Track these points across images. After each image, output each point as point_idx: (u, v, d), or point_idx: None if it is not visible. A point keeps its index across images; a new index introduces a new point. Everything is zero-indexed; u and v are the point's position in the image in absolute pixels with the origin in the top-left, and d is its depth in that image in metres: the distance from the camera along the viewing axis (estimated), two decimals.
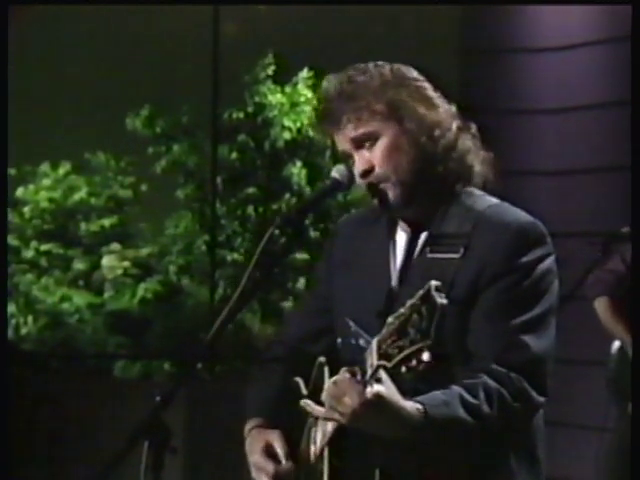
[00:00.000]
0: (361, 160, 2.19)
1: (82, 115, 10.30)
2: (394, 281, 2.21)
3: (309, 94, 10.42)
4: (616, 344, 4.39)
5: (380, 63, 2.23)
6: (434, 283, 1.87)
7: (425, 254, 2.19)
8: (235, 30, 8.86)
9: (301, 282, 10.31)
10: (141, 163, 10.94)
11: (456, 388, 2.04)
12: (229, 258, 10.26)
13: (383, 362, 1.89)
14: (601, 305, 4.33)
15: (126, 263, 10.99)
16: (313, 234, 10.40)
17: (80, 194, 11.48)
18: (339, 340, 2.07)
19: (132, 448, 2.01)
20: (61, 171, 11.48)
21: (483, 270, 2.11)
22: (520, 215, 2.18)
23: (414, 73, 2.23)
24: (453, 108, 2.23)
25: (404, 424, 1.94)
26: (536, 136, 6.75)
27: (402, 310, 1.89)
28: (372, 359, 1.91)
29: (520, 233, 2.13)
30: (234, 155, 10.35)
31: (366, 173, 2.18)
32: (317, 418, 2.17)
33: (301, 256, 10.30)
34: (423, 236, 2.22)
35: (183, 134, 10.56)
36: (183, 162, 10.53)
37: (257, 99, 10.37)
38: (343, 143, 2.23)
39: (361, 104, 2.17)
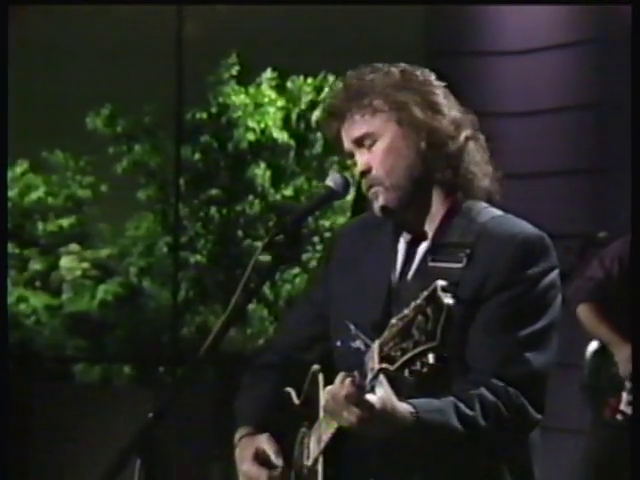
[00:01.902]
0: (360, 160, 2.18)
1: (40, 113, 10.32)
2: (393, 289, 2.18)
3: (273, 95, 10.52)
4: (590, 348, 4.44)
5: (399, 64, 2.21)
6: (440, 283, 1.81)
7: (426, 263, 2.15)
8: (198, 30, 8.94)
9: (265, 284, 10.36)
10: (101, 163, 10.96)
11: (452, 398, 2.02)
12: (192, 260, 10.33)
13: (385, 365, 1.85)
14: (584, 312, 4.33)
15: (85, 264, 11.02)
16: (277, 236, 10.49)
17: (37, 193, 11.50)
18: (338, 343, 2.02)
19: (124, 465, 1.97)
20: (18, 170, 11.49)
21: (486, 280, 2.09)
22: (526, 227, 2.16)
23: (427, 77, 2.22)
24: (466, 117, 2.20)
25: (396, 425, 1.95)
26: (500, 139, 6.91)
27: (405, 311, 1.84)
28: (373, 362, 1.88)
29: (526, 244, 2.12)
30: (197, 156, 10.42)
31: (364, 174, 2.17)
32: (310, 427, 2.15)
33: (264, 258, 10.38)
34: (424, 245, 2.19)
35: (145, 134, 10.62)
36: (145, 163, 10.58)
37: (221, 100, 10.45)
38: (346, 141, 2.22)
39: (365, 102, 2.17)
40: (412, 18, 7.41)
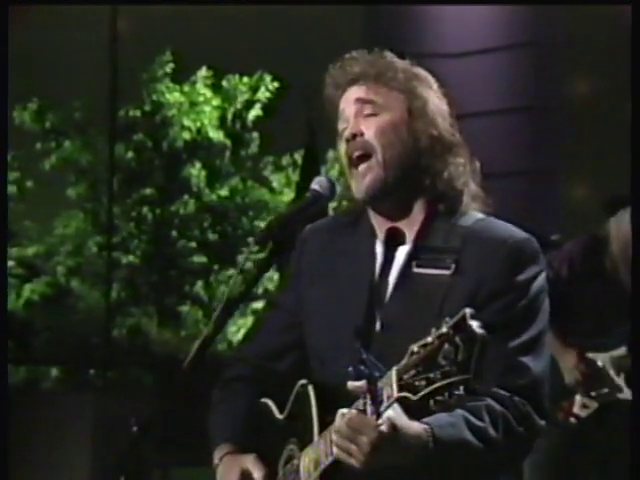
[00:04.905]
0: (355, 125, 2.18)
1: None
2: (374, 294, 2.16)
3: (208, 94, 10.55)
4: None
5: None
6: (469, 311, 1.76)
7: (411, 268, 2.13)
8: (133, 27, 8.96)
9: (199, 285, 10.38)
10: (27, 159, 10.88)
11: (460, 410, 1.98)
12: (124, 260, 10.31)
13: (405, 394, 1.80)
14: None
15: (10, 262, 10.93)
16: (212, 237, 10.53)
17: None
18: (350, 369, 1.90)
19: None
20: None
21: (479, 288, 2.08)
22: (514, 231, 2.16)
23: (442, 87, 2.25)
24: (463, 141, 2.22)
25: (411, 447, 1.92)
26: None
27: (429, 339, 1.79)
28: (391, 390, 1.83)
29: (516, 250, 2.12)
30: (130, 154, 10.41)
31: (353, 137, 2.16)
32: (300, 445, 2.10)
33: (199, 259, 10.41)
34: (405, 248, 2.17)
35: (75, 130, 10.57)
36: (75, 160, 10.54)
37: (155, 97, 10.47)
38: (345, 103, 2.21)
39: (388, 75, 2.18)
40: (351, 19, 7.53)
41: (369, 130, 2.17)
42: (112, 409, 6.35)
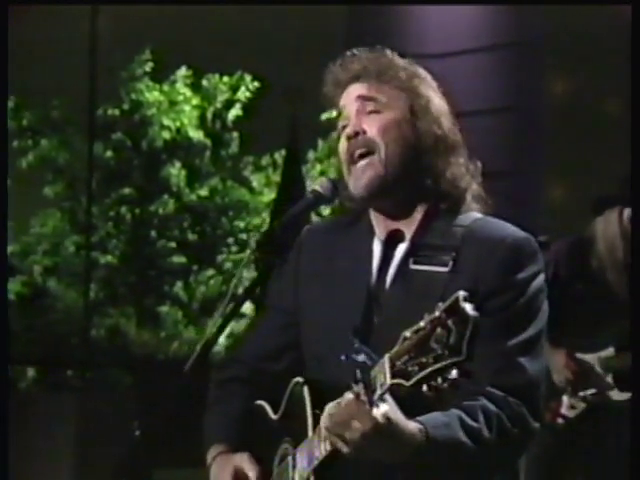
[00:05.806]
0: (357, 122, 2.16)
1: None
2: (372, 292, 2.14)
3: (188, 93, 10.52)
4: None
5: None
6: (462, 293, 1.76)
7: (407, 265, 2.13)
8: (112, 26, 8.91)
9: (178, 286, 10.34)
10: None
11: (455, 410, 1.98)
12: (102, 260, 10.26)
13: (399, 380, 1.79)
14: None
15: None
16: (191, 237, 10.50)
17: None
18: (343, 357, 1.89)
19: None
20: None
21: (476, 286, 2.05)
22: (513, 229, 2.16)
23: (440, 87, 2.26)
24: (463, 142, 2.21)
25: (405, 445, 1.91)
26: None
27: (421, 324, 1.78)
28: (384, 377, 1.81)
29: (515, 248, 2.11)
30: (109, 154, 10.38)
31: (355, 134, 2.15)
32: (294, 443, 2.09)
33: (178, 259, 10.38)
34: (402, 246, 2.17)
35: (52, 129, 10.52)
36: (52, 158, 10.49)
37: (134, 96, 10.43)
38: (346, 100, 2.19)
39: (390, 73, 2.17)
40: (333, 19, 7.53)
41: (372, 128, 2.16)
42: (92, 410, 6.32)
